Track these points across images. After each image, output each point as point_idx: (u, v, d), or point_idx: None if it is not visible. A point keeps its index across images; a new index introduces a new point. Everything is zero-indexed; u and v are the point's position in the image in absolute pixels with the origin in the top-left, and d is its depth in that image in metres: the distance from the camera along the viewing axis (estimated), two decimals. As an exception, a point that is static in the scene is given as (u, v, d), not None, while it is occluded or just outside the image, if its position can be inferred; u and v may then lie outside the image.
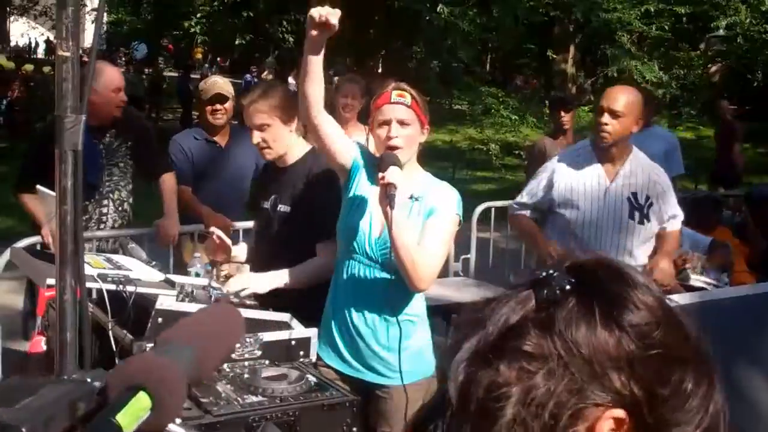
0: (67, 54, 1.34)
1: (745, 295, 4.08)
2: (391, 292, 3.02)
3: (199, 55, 33.82)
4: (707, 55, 24.32)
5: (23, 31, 39.72)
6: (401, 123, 2.99)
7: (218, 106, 5.17)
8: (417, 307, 3.11)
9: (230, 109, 5.23)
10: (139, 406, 0.97)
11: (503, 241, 7.04)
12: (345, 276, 3.08)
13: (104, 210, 4.87)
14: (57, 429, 0.93)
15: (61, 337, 1.43)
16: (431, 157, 6.56)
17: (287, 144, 3.51)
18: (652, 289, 1.00)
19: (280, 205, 3.51)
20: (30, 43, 40.73)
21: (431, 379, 3.11)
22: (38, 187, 2.97)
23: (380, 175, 2.83)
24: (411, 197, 3.03)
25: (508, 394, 0.94)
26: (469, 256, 6.40)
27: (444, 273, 6.22)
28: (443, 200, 3.03)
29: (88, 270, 2.81)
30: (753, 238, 6.42)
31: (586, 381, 0.93)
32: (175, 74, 27.02)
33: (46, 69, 19.96)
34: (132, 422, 0.96)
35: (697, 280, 5.21)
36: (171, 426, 1.06)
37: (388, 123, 2.99)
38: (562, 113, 6.66)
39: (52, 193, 2.92)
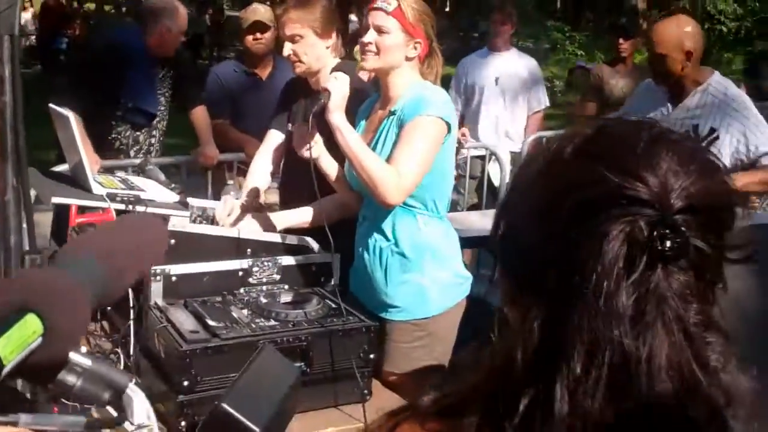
0: (0, -75, 1.21)
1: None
2: (386, 219, 2.85)
3: None
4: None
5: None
6: (378, 29, 2.79)
7: (258, 35, 5.04)
8: (425, 239, 2.86)
9: (271, 38, 5.06)
10: (26, 331, 0.82)
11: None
12: (365, 204, 2.96)
13: (152, 141, 4.93)
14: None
15: (5, 240, 1.31)
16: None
17: (322, 61, 3.29)
18: None
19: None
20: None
21: (427, 320, 2.88)
22: (51, 105, 2.88)
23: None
24: (391, 112, 2.84)
25: None
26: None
27: (491, 204, 6.11)
28: (418, 104, 2.76)
29: (98, 189, 2.73)
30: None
31: None
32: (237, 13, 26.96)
33: (107, 7, 20.06)
34: (16, 350, 0.81)
35: None
36: (73, 355, 0.92)
37: (366, 28, 2.83)
38: (621, 41, 6.40)
39: (65, 112, 2.84)
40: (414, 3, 2.82)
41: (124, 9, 25.58)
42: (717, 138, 3.83)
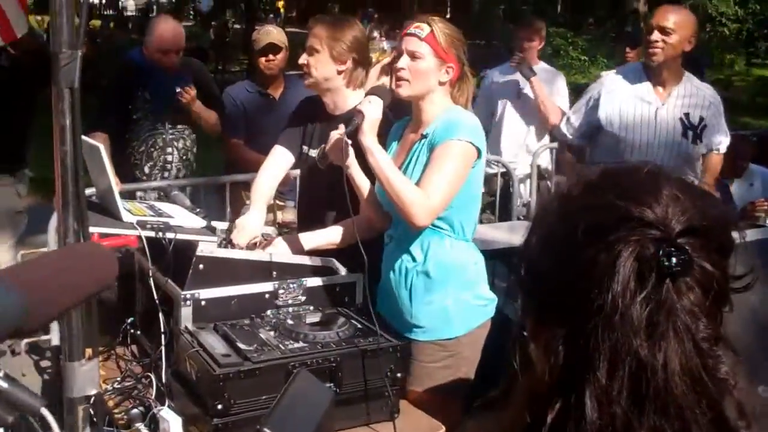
0: (59, -13, 1.29)
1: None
2: (413, 240, 2.91)
3: (282, 9, 33.17)
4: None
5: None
6: (411, 55, 2.86)
7: (270, 56, 5.11)
8: (451, 261, 2.92)
9: (283, 59, 5.16)
10: None
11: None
12: (393, 225, 3.02)
13: (168, 158, 5.01)
14: None
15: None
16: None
17: (330, 82, 3.34)
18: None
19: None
20: (99, 0, 41.15)
21: (452, 341, 2.93)
22: (82, 137, 2.94)
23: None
24: (422, 136, 2.91)
25: None
26: (530, 199, 6.28)
27: (507, 217, 6.16)
28: (449, 128, 2.82)
29: (127, 217, 2.80)
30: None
31: None
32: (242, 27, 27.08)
33: (112, 25, 20.14)
34: None
35: None
36: None
37: (400, 53, 2.90)
38: (628, 49, 6.48)
39: (95, 143, 2.92)
40: (446, 28, 2.88)
41: (130, 25, 25.79)
42: (705, 126, 4.01)
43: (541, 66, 6.31)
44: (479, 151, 2.85)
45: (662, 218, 0.96)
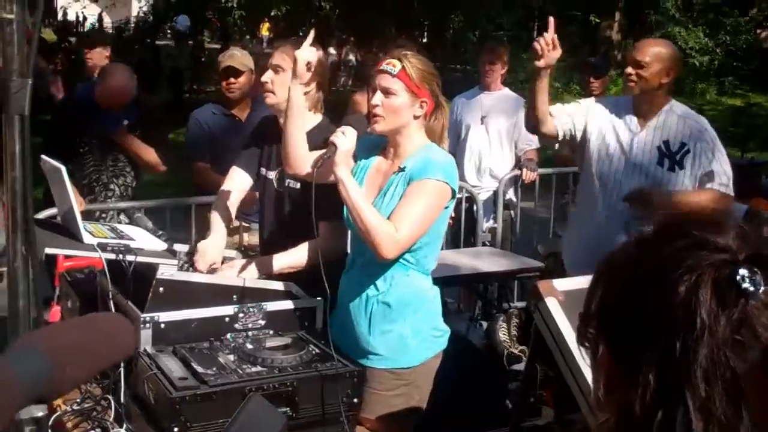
0: (11, 16, 1.31)
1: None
2: (377, 268, 2.95)
3: (266, 32, 32.85)
4: (757, 19, 23.68)
5: (64, 5, 40.09)
6: (385, 92, 2.90)
7: (231, 80, 5.12)
8: (408, 290, 2.96)
9: (245, 82, 5.14)
10: None
11: (531, 211, 6.96)
12: (356, 251, 3.07)
13: (109, 194, 5.11)
14: None
15: (11, 304, 1.40)
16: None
17: None
18: None
19: (288, 180, 3.39)
20: (78, 17, 41.05)
21: (408, 370, 2.97)
22: (43, 156, 2.97)
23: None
24: (399, 169, 2.95)
25: None
26: (495, 225, 6.33)
27: (471, 242, 6.21)
28: (425, 166, 2.88)
29: (88, 239, 2.81)
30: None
31: None
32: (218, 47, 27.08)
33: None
34: None
35: None
36: None
37: (374, 90, 2.94)
38: (592, 79, 6.54)
39: (57, 165, 2.93)
40: (418, 63, 2.93)
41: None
42: (688, 152, 4.00)
43: (504, 92, 6.39)
44: (453, 192, 2.92)
45: (732, 244, 1.08)
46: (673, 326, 1.06)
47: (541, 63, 3.83)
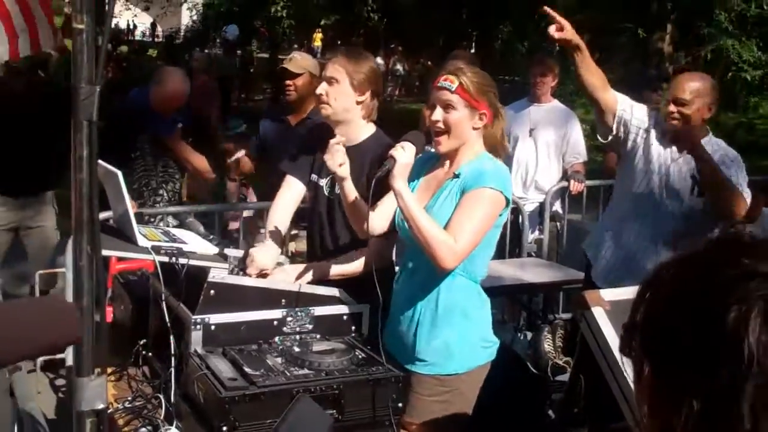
0: (81, 26, 1.38)
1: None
2: (427, 275, 2.98)
3: (318, 42, 32.94)
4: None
5: (115, 13, 40.70)
6: (445, 107, 2.94)
7: (287, 82, 5.14)
8: (456, 296, 3.00)
9: (302, 85, 5.11)
10: None
11: (579, 223, 6.92)
12: (407, 257, 3.11)
13: (158, 198, 5.19)
14: None
15: (77, 303, 1.46)
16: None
17: (349, 113, 3.36)
18: None
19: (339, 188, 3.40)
20: (128, 25, 41.72)
21: (452, 377, 3.01)
22: (100, 162, 3.04)
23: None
24: (454, 175, 2.99)
25: None
26: (542, 236, 6.33)
27: (516, 254, 6.21)
28: (479, 175, 2.91)
29: (143, 242, 2.89)
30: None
31: None
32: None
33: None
34: None
35: None
36: None
37: (434, 106, 2.98)
38: (654, 95, 6.53)
39: (113, 169, 3.01)
40: (474, 77, 2.96)
41: (155, 52, 26.18)
42: None
43: (554, 104, 6.40)
44: (507, 202, 2.95)
45: None
46: (720, 355, 1.04)
47: (560, 37, 3.81)
